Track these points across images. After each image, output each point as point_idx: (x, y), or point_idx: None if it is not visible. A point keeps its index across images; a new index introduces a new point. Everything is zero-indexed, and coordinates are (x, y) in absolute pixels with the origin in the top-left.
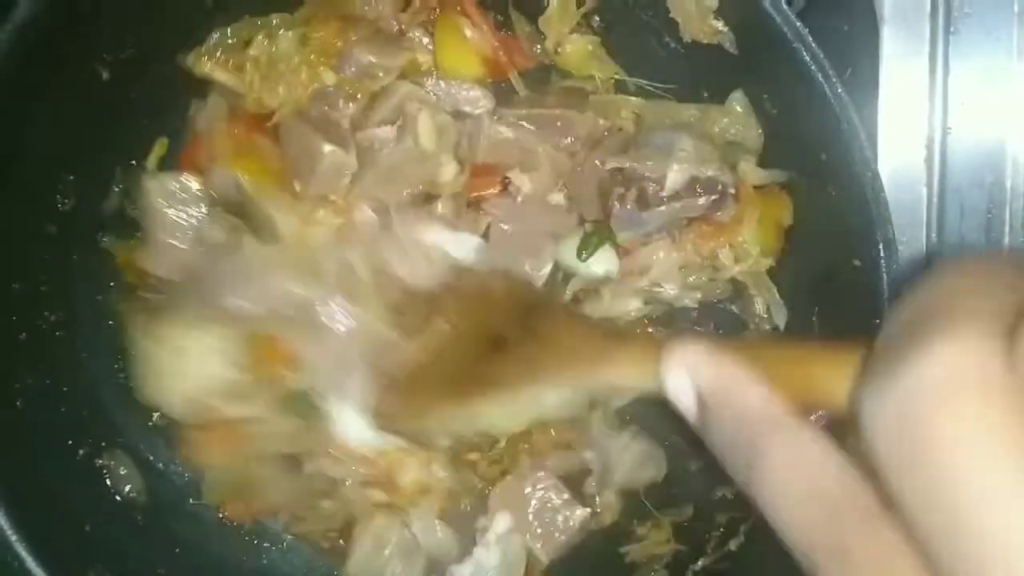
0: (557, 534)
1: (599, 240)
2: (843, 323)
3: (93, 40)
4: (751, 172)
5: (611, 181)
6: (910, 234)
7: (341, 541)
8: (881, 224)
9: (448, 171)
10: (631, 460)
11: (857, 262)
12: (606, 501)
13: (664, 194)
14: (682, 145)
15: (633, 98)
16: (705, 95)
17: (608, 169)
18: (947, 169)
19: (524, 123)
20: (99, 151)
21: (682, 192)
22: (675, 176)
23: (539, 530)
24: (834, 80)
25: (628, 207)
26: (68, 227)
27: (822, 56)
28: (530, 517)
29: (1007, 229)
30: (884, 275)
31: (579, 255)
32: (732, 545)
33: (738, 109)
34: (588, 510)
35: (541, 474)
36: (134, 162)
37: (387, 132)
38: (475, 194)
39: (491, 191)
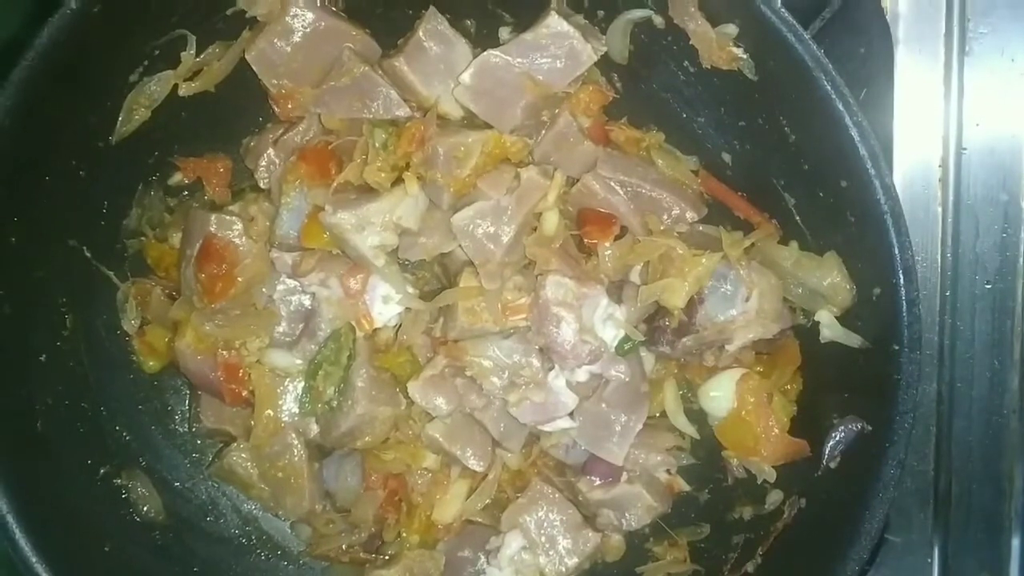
0: (568, 557)
1: (633, 347)
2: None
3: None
4: (829, 326)
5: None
6: (925, 252)
7: (362, 554)
8: (902, 252)
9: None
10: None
11: (877, 289)
12: (613, 542)
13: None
14: (751, 303)
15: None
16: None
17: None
18: (962, 188)
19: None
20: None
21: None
22: (739, 343)
23: (551, 551)
24: (854, 108)
25: (667, 337)
26: (89, 240)
27: (843, 84)
28: (542, 538)
29: (1022, 248)
30: (904, 303)
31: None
32: (749, 567)
33: (833, 268)
34: (599, 534)
35: (555, 496)
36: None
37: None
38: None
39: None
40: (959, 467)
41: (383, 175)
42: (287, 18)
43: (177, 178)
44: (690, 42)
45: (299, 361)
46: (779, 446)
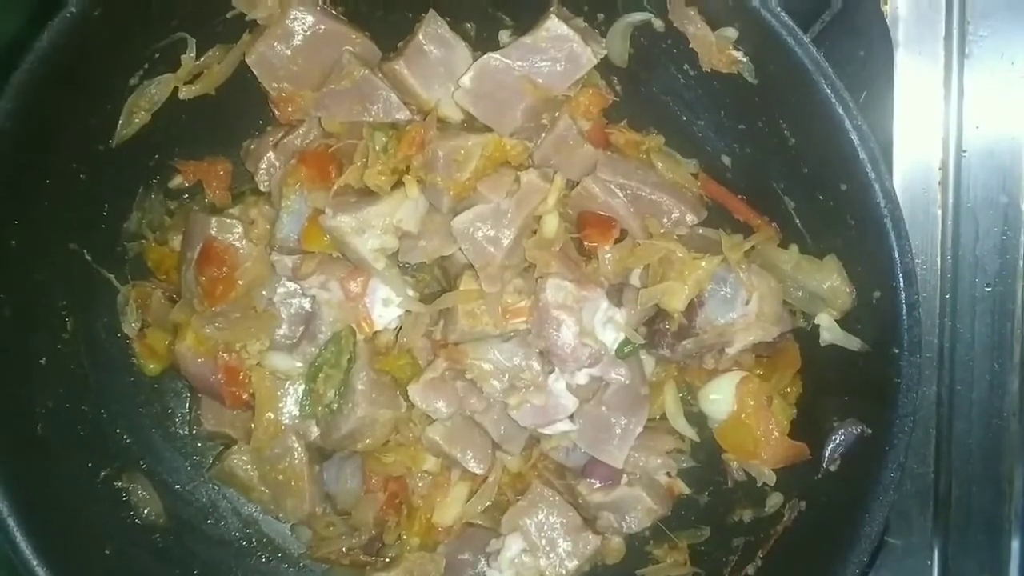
0: (568, 560)
1: (633, 350)
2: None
3: None
4: (829, 329)
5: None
6: (925, 255)
7: (362, 556)
8: (902, 255)
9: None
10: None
11: (877, 293)
12: (613, 545)
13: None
14: (751, 306)
15: (736, 236)
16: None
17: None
18: (962, 191)
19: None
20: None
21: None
22: (739, 346)
23: (551, 554)
24: (854, 111)
25: (667, 340)
26: (90, 243)
27: (842, 87)
28: (542, 541)
29: (1022, 250)
30: (904, 306)
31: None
32: (749, 570)
33: (833, 272)
34: (600, 537)
35: (555, 499)
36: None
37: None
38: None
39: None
40: (959, 469)
41: (383, 178)
42: (287, 21)
43: (177, 181)
44: (690, 45)
45: (299, 364)
46: (779, 449)
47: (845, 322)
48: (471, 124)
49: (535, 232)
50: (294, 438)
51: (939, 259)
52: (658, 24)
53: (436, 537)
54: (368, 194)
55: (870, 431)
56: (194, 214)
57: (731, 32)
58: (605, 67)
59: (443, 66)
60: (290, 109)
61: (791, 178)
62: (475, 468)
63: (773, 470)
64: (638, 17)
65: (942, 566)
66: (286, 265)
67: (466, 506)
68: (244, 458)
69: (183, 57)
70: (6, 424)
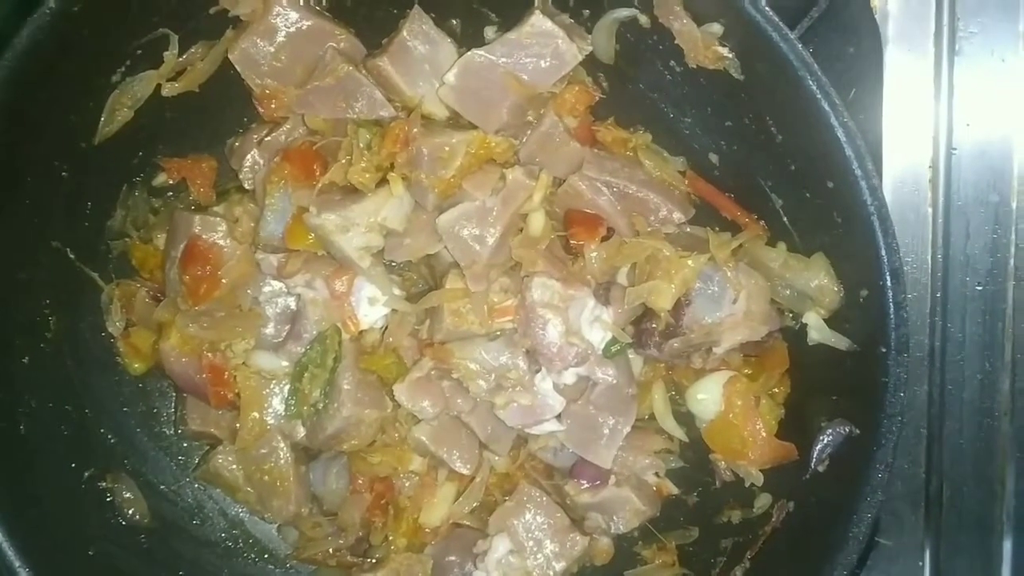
0: (555, 561)
1: (620, 349)
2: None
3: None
4: (817, 328)
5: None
6: (915, 253)
7: (349, 557)
8: (889, 253)
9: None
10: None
11: (865, 292)
12: (601, 546)
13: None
14: (739, 305)
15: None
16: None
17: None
18: (952, 189)
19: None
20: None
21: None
22: (726, 345)
23: (538, 555)
24: (840, 108)
25: (655, 339)
26: (73, 241)
27: (828, 84)
28: (529, 542)
29: (1012, 249)
30: (891, 305)
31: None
32: (738, 571)
33: (821, 270)
34: (587, 538)
35: (543, 499)
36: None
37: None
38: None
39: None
40: (950, 470)
41: (367, 176)
42: (270, 17)
43: (162, 179)
44: (675, 42)
45: (285, 363)
46: (767, 449)
47: (833, 321)
48: (456, 121)
49: (521, 230)
50: (280, 438)
51: (929, 258)
52: (644, 20)
53: (423, 538)
54: (353, 192)
55: (858, 431)
56: (178, 212)
57: (716, 28)
58: (591, 64)
59: (428, 63)
60: (274, 106)
61: (778, 176)
62: (462, 468)
63: (761, 470)
64: (624, 13)
65: (934, 567)
66: (271, 263)
67: (453, 507)
68: (230, 458)
69: (165, 54)
70: None
